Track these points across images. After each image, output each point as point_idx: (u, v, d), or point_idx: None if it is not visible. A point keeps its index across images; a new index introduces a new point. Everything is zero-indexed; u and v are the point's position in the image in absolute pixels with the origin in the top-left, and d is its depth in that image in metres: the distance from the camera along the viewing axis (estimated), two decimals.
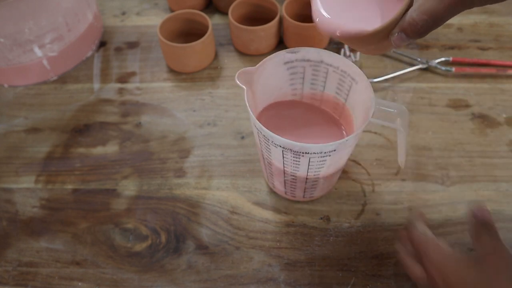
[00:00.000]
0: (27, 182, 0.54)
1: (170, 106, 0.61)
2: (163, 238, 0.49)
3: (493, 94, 0.60)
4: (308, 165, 0.40)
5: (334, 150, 0.38)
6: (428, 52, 0.65)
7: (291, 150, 0.38)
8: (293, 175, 0.43)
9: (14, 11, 0.56)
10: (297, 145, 0.37)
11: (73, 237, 0.49)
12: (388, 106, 0.39)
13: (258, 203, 0.51)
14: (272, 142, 0.39)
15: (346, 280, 0.45)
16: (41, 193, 0.53)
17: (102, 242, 0.49)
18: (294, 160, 0.40)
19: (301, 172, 0.42)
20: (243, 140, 0.57)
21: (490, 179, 0.52)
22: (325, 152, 0.38)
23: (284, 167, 0.42)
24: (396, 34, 0.28)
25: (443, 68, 0.62)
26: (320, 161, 0.39)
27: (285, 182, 0.46)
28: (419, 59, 0.63)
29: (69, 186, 0.53)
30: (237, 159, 0.55)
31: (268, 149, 0.41)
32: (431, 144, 0.55)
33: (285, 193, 0.49)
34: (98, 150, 0.57)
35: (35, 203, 0.52)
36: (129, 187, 0.53)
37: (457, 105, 0.59)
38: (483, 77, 0.62)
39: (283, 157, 0.40)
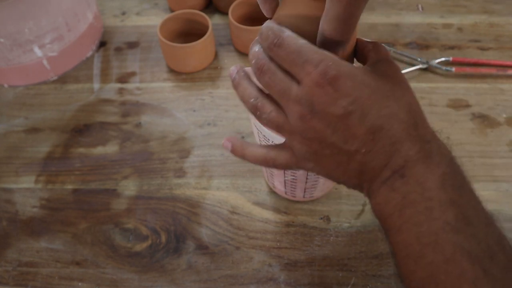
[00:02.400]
0: (27, 182, 0.54)
1: (170, 106, 0.61)
2: (163, 238, 0.49)
3: (493, 94, 0.60)
4: None
5: None
6: (428, 52, 0.65)
7: None
8: (293, 175, 0.43)
9: (14, 11, 0.56)
10: None
11: (73, 237, 0.49)
12: None
13: (258, 203, 0.51)
14: (272, 142, 0.39)
15: (346, 280, 0.45)
16: (41, 193, 0.53)
17: (102, 242, 0.49)
18: None
19: (301, 171, 0.42)
20: (243, 140, 0.56)
21: (490, 179, 0.52)
22: None
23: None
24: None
25: (443, 68, 0.62)
26: None
27: (285, 182, 0.46)
28: (419, 59, 0.63)
29: (69, 186, 0.53)
30: (237, 159, 0.54)
31: None
32: None
33: (285, 193, 0.49)
34: (98, 150, 0.57)
35: (35, 203, 0.52)
36: (129, 187, 0.53)
37: (457, 105, 0.59)
38: (483, 77, 0.62)
39: None
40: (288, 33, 0.29)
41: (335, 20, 0.26)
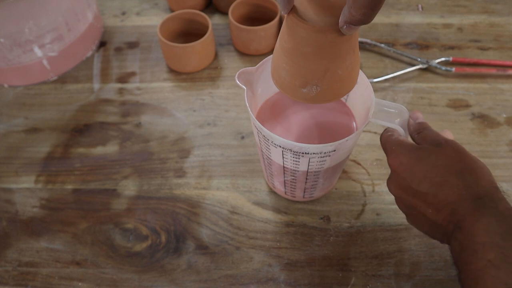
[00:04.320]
0: (27, 182, 0.54)
1: (170, 106, 0.61)
2: (163, 238, 0.49)
3: (493, 94, 0.60)
4: (308, 165, 0.40)
5: (334, 150, 0.38)
6: (428, 52, 0.65)
7: (291, 150, 0.38)
8: (293, 175, 0.43)
9: (14, 11, 0.56)
10: (296, 145, 0.37)
11: (73, 237, 0.49)
12: (388, 106, 0.39)
13: (258, 203, 0.51)
14: (272, 142, 0.39)
15: (346, 280, 0.45)
16: (41, 193, 0.53)
17: (102, 242, 0.49)
18: (294, 160, 0.40)
19: (301, 172, 0.42)
20: (243, 140, 0.56)
21: None
22: (325, 152, 0.38)
23: (284, 167, 0.42)
24: (345, 26, 0.30)
25: (443, 68, 0.62)
26: (320, 161, 0.39)
27: (285, 182, 0.46)
28: (419, 59, 0.63)
29: (69, 186, 0.53)
30: (237, 159, 0.55)
31: (268, 149, 0.41)
32: None
33: (285, 193, 0.49)
34: (98, 150, 0.57)
35: (35, 203, 0.52)
36: (129, 187, 0.53)
37: (457, 105, 0.59)
38: (483, 77, 0.62)
39: (283, 157, 0.40)
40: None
41: (366, 7, 0.27)
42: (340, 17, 0.30)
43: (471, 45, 0.66)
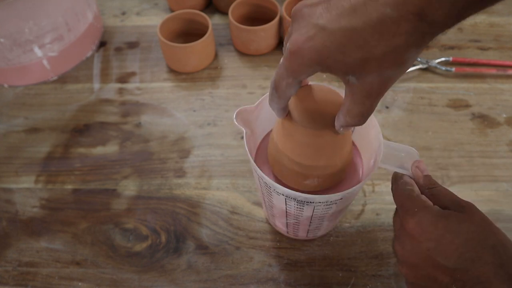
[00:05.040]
0: (27, 182, 0.54)
1: (170, 106, 0.61)
2: (163, 238, 0.49)
3: (493, 94, 0.60)
4: (313, 211, 0.38)
5: (341, 199, 0.36)
6: (428, 52, 0.65)
7: (294, 199, 0.36)
8: (296, 219, 0.41)
9: (14, 11, 0.56)
10: (301, 195, 0.35)
11: (73, 237, 0.49)
12: (398, 149, 0.37)
13: (258, 203, 0.51)
14: (274, 190, 0.37)
15: (346, 280, 0.45)
16: (41, 193, 0.53)
17: (102, 242, 0.49)
18: (298, 207, 0.38)
19: (305, 217, 0.40)
20: (243, 140, 0.56)
21: (490, 179, 0.52)
22: (331, 201, 0.36)
23: (287, 213, 0.40)
24: (341, 129, 0.32)
25: (443, 68, 0.62)
26: (325, 208, 0.38)
27: (287, 224, 0.44)
28: (419, 59, 0.63)
29: (69, 186, 0.53)
30: (237, 159, 0.55)
31: (269, 194, 0.39)
32: (431, 144, 0.55)
33: (287, 232, 0.47)
34: (98, 150, 0.57)
35: (35, 203, 0.52)
36: (129, 187, 0.53)
37: (457, 105, 0.59)
38: (483, 77, 0.62)
39: (286, 203, 0.38)
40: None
41: (359, 116, 0.30)
42: (336, 122, 0.32)
43: (471, 45, 0.66)
